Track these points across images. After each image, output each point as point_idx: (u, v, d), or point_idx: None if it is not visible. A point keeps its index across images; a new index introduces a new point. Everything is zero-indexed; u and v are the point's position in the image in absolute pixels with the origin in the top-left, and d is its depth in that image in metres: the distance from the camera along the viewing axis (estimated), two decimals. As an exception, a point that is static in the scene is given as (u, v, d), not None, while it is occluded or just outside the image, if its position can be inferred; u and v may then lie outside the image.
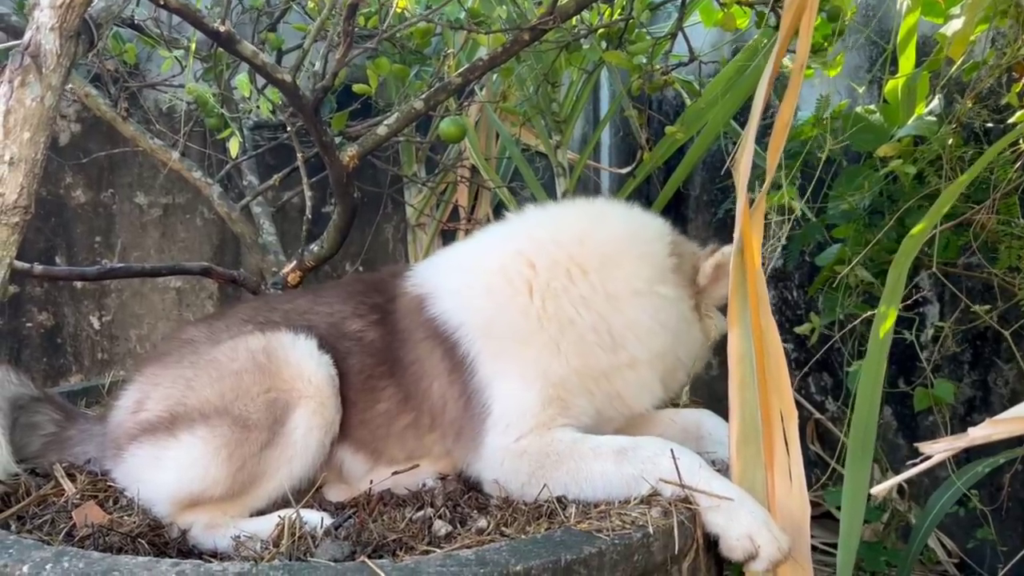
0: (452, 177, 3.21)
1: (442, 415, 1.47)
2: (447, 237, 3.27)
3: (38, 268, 1.81)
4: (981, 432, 0.88)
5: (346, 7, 1.43)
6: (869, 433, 1.17)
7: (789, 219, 1.81)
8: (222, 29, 1.40)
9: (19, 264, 1.42)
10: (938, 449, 0.90)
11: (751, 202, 1.25)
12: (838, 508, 1.38)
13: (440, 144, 2.99)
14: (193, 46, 1.79)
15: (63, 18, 1.23)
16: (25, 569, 1.07)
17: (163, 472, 1.36)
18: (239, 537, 1.28)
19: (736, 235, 1.21)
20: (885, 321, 1.15)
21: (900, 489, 2.44)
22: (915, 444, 1.00)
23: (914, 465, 1.01)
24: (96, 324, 2.91)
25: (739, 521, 1.24)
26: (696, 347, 1.59)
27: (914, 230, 1.18)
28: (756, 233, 1.20)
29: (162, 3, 1.38)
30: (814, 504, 1.95)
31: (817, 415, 2.82)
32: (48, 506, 1.39)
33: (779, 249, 2.06)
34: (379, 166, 2.94)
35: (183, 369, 1.45)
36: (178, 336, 1.60)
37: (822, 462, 2.76)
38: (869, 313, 1.37)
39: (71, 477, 1.49)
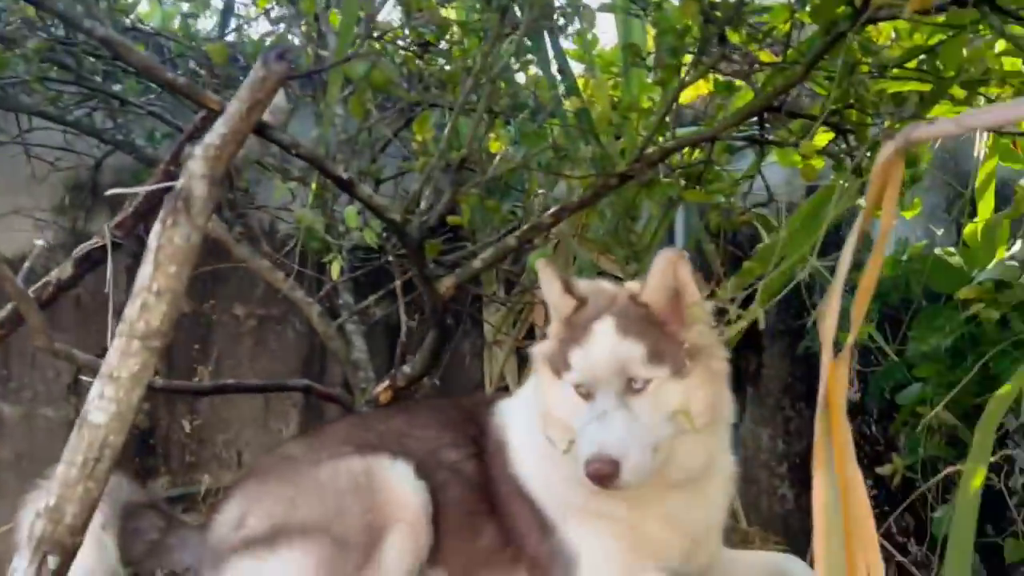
0: (529, 297, 3.32)
1: (536, 562, 1.52)
2: (522, 356, 3.35)
3: (159, 381, 1.96)
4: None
5: (457, 162, 1.58)
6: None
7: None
8: (345, 176, 1.57)
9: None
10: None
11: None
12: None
13: (517, 263, 3.12)
14: (315, 187, 1.97)
15: (212, 168, 1.39)
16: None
17: None
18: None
19: (821, 389, 1.26)
20: (974, 479, 1.16)
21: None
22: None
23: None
24: (187, 428, 3.06)
25: None
26: None
27: (1001, 391, 1.21)
28: (840, 386, 1.24)
29: (294, 152, 1.55)
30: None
31: (899, 557, 2.73)
32: (151, 612, 1.47)
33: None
34: (460, 284, 3.08)
35: (284, 487, 1.53)
36: (279, 453, 1.70)
37: (905, 608, 2.64)
38: (953, 469, 1.38)
39: (172, 585, 1.57)
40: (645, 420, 1.38)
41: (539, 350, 1.57)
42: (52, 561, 1.25)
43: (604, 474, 1.32)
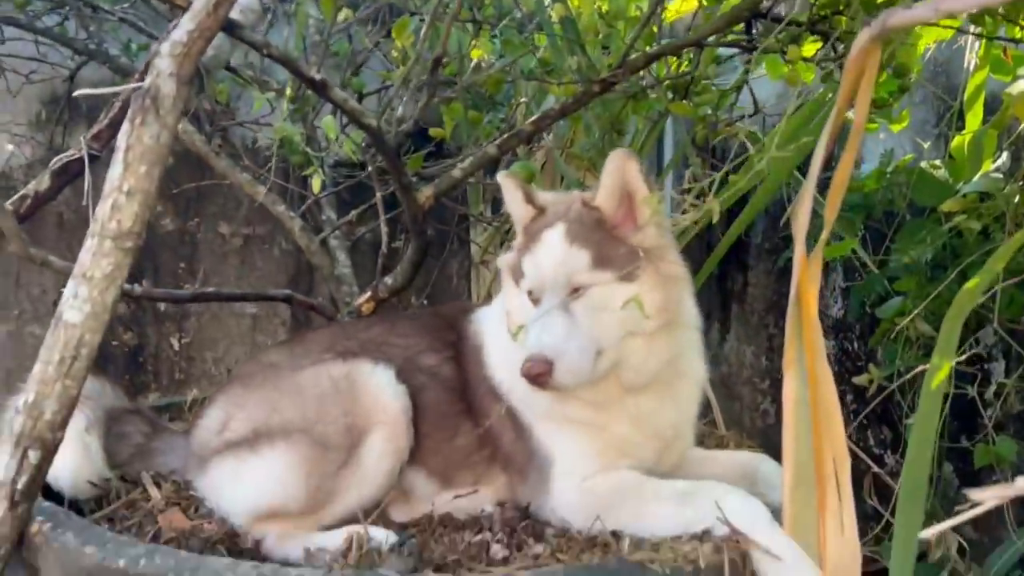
0: (517, 217, 3.30)
1: (511, 460, 1.55)
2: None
3: (138, 289, 1.96)
4: (1029, 483, 0.91)
5: (432, 61, 1.55)
6: (920, 484, 1.19)
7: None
8: (317, 77, 1.53)
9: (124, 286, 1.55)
10: (987, 496, 0.94)
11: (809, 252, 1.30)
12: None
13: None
14: (289, 92, 1.93)
15: (180, 65, 1.36)
16: (121, 563, 1.17)
17: (243, 486, 1.46)
18: (310, 549, 1.37)
19: (793, 285, 1.27)
20: (938, 374, 1.18)
21: (961, 549, 2.40)
22: (964, 490, 1.03)
23: (962, 512, 1.03)
24: (176, 345, 3.08)
25: None
26: None
27: (969, 284, 1.22)
28: (813, 283, 1.25)
29: (265, 53, 1.51)
30: (872, 559, 1.94)
31: (875, 468, 2.79)
32: (136, 510, 1.51)
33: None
34: (447, 204, 3.06)
35: (267, 391, 1.55)
36: (261, 360, 1.71)
37: (879, 516, 2.72)
38: (922, 368, 1.40)
39: (157, 485, 1.60)
40: (585, 323, 1.40)
41: (503, 259, 1.59)
42: (33, 456, 1.28)
43: (536, 373, 1.35)
